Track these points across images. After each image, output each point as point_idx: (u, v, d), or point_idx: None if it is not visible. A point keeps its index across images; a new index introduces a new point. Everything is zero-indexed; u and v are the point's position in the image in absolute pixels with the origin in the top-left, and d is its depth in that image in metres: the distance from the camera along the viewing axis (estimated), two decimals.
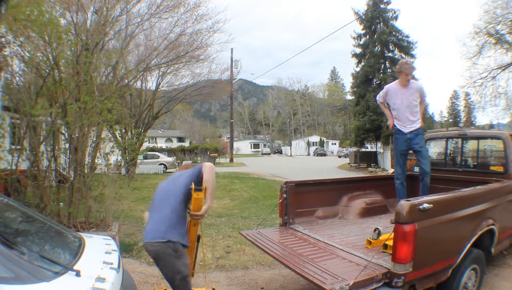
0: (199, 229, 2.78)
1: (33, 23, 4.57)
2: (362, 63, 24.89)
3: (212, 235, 5.82)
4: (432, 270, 2.61)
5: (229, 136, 38.25)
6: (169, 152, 32.18)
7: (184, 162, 21.75)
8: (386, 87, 4.28)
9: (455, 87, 71.55)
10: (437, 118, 65.95)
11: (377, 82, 23.99)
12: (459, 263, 2.81)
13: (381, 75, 23.31)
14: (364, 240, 3.21)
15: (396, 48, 23.78)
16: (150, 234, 2.52)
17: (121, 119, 9.63)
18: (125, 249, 4.93)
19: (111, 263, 2.02)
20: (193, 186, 2.55)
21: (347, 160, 29.73)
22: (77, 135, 4.89)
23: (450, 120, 58.06)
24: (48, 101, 4.79)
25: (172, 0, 13.62)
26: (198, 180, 2.61)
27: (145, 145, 20.73)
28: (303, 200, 4.07)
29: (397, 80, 4.17)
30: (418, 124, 4.06)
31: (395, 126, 4.17)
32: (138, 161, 11.96)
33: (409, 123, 4.06)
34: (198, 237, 2.85)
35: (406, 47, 23.47)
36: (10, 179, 4.63)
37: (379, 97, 4.34)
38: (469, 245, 2.88)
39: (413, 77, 4.34)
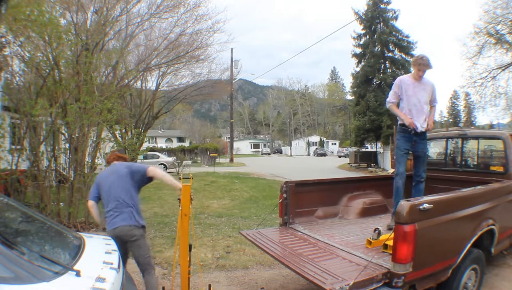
0: (191, 239, 2.98)
1: (33, 23, 4.58)
2: (362, 63, 24.88)
3: (212, 235, 5.82)
4: (432, 270, 2.61)
5: (229, 136, 38.23)
6: (169, 152, 32.21)
7: (184, 162, 21.74)
8: (399, 79, 4.04)
9: (455, 87, 71.55)
10: (437, 118, 65.85)
11: (377, 82, 23.99)
12: (459, 263, 2.81)
13: (381, 75, 23.31)
14: (364, 240, 3.21)
15: (396, 48, 23.76)
16: (121, 219, 2.81)
17: (121, 119, 9.62)
18: None
19: (111, 263, 2.02)
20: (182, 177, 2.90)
21: (347, 160, 29.74)
22: (77, 135, 4.90)
23: (450, 120, 58.08)
24: (48, 101, 4.79)
25: (172, 0, 13.62)
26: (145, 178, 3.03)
27: (145, 145, 20.71)
28: (303, 200, 4.06)
29: (409, 74, 4.01)
30: (425, 123, 3.88)
31: (402, 126, 3.96)
32: (138, 161, 11.95)
33: (419, 119, 3.86)
34: (190, 247, 3.00)
35: (406, 47, 23.45)
36: (10, 179, 4.64)
37: (391, 97, 4.02)
38: (469, 245, 2.88)
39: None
